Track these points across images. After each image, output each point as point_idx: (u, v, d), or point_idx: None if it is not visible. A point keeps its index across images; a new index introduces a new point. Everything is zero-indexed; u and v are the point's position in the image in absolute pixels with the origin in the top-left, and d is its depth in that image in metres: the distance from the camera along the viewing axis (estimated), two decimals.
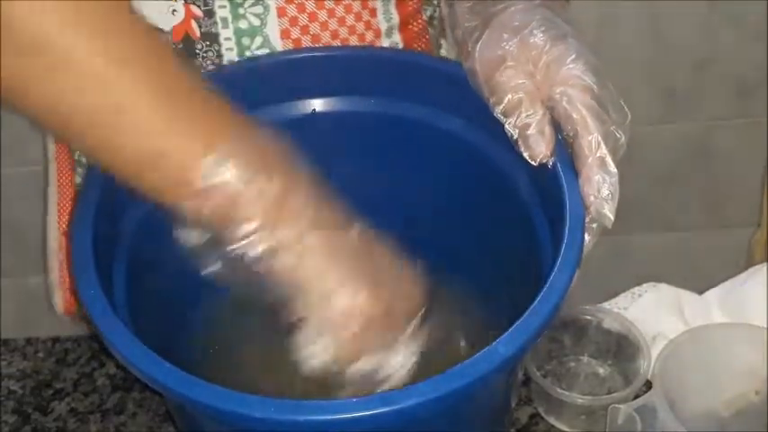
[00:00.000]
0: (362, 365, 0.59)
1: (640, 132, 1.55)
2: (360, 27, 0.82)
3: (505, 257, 0.76)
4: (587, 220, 0.63)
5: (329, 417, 0.53)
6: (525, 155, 0.65)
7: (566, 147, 0.68)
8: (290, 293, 0.58)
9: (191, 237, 0.58)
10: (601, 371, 0.83)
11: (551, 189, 0.66)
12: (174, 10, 0.77)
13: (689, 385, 0.77)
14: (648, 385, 0.78)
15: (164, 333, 0.66)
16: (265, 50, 0.79)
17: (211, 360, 0.77)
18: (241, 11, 0.78)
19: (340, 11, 0.81)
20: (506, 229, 0.75)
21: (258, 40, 0.79)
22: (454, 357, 0.57)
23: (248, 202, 0.56)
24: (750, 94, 1.50)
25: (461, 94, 0.74)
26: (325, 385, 0.74)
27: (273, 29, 0.79)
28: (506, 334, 0.57)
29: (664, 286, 0.87)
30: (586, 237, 0.63)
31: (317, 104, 0.79)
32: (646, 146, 1.55)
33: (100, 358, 0.86)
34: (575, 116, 0.64)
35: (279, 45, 0.80)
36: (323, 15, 0.80)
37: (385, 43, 0.84)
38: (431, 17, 0.87)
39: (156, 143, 0.55)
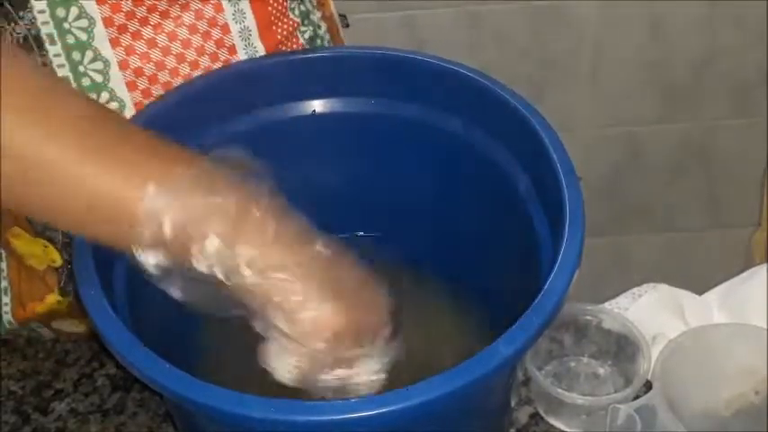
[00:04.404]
0: (330, 378, 0.59)
1: (640, 132, 1.56)
2: None
3: (505, 257, 0.76)
4: None
5: (329, 417, 0.53)
6: None
7: (564, 148, 0.68)
8: (255, 310, 0.58)
9: (151, 263, 0.58)
10: (601, 371, 0.83)
11: (551, 189, 0.66)
12: None
13: (689, 385, 0.77)
14: (648, 385, 0.78)
15: (163, 333, 0.66)
16: (114, 105, 0.77)
17: (211, 360, 0.77)
18: (81, 68, 0.75)
19: (188, 63, 0.78)
20: (506, 228, 0.75)
21: (104, 95, 0.76)
22: (453, 357, 0.57)
23: (202, 226, 0.56)
24: (750, 94, 1.50)
25: (462, 94, 0.74)
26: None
27: (118, 82, 0.76)
28: (506, 333, 0.57)
29: (664, 286, 0.87)
30: None
31: (317, 105, 0.79)
32: (646, 146, 1.55)
33: (100, 358, 0.86)
34: None
35: (127, 98, 0.77)
36: (171, 62, 0.77)
37: None
38: (312, 37, 0.84)
39: (94, 191, 0.55)
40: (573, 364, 0.83)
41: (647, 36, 1.44)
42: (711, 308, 0.86)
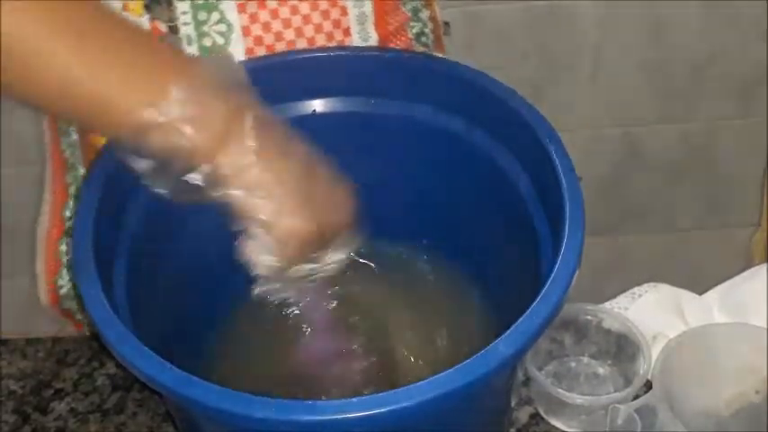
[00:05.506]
0: (300, 269, 0.66)
1: (640, 132, 1.56)
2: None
3: (506, 257, 0.76)
4: None
5: (328, 417, 0.53)
6: None
7: (564, 148, 0.68)
8: (237, 213, 0.63)
9: (141, 164, 0.61)
10: (601, 371, 0.83)
11: (551, 189, 0.66)
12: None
13: (689, 385, 0.77)
14: (648, 385, 0.78)
15: (164, 333, 0.66)
16: None
17: (211, 360, 0.77)
18: (205, 28, 0.77)
19: (305, 39, 0.80)
20: (507, 228, 0.75)
21: None
22: (454, 358, 0.57)
23: (192, 135, 0.59)
24: (750, 94, 1.50)
25: (462, 94, 0.74)
26: (325, 388, 0.75)
27: (238, 47, 0.78)
28: (506, 334, 0.57)
29: (664, 286, 0.87)
30: None
31: (317, 104, 0.79)
32: (646, 146, 1.55)
33: (100, 358, 0.86)
34: None
35: None
36: (289, 35, 0.79)
37: None
38: (418, 34, 0.86)
39: (103, 89, 0.59)
40: (573, 364, 0.84)
41: (648, 36, 1.44)
42: (711, 308, 0.86)
